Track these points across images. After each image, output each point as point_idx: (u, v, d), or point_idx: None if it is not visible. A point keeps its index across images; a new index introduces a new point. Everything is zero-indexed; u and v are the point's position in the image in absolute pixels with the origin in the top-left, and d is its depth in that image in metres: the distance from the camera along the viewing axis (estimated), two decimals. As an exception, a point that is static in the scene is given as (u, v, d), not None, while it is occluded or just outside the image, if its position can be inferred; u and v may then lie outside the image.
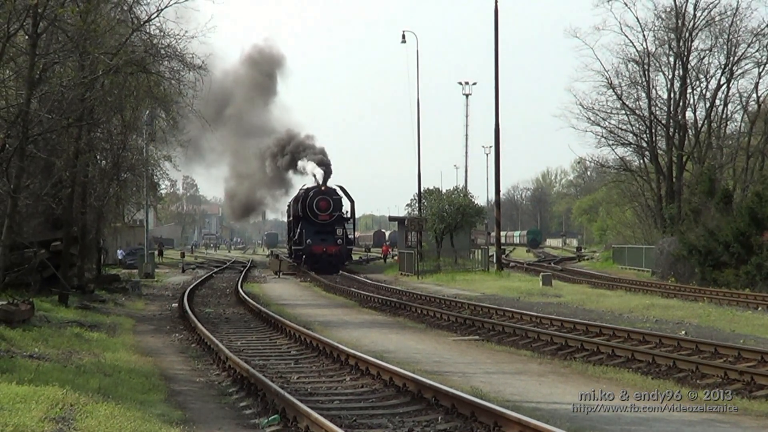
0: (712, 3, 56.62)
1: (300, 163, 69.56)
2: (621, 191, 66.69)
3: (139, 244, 60.97)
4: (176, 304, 29.79)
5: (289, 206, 69.37)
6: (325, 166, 63.99)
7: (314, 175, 63.14)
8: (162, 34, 25.73)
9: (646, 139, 59.02)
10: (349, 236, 59.19)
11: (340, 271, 53.70)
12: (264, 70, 77.97)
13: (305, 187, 60.97)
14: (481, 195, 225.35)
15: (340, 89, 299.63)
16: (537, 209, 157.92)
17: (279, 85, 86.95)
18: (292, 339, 20.17)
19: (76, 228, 30.86)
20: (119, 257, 60.88)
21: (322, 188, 59.17)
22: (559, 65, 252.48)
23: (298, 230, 58.67)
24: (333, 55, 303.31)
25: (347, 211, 59.51)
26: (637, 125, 59.40)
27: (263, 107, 79.32)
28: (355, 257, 71.27)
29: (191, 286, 37.60)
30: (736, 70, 55.95)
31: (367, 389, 13.77)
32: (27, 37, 19.33)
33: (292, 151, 72.05)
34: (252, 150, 78.90)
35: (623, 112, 59.28)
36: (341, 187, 60.66)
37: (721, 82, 56.22)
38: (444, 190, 56.54)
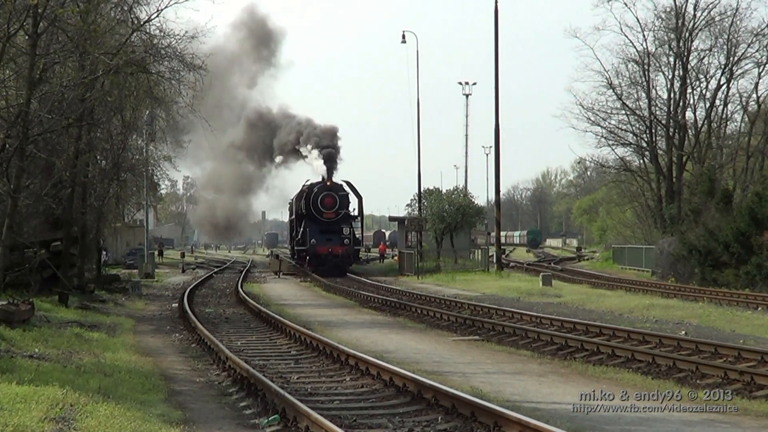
0: (712, 3, 56.76)
1: (279, 157, 63.55)
2: (621, 191, 66.70)
3: (140, 244, 60.97)
4: (176, 304, 29.79)
5: (290, 204, 63.75)
6: (330, 155, 57.23)
7: (308, 157, 58.02)
8: (162, 34, 25.76)
9: (646, 139, 59.04)
10: (357, 236, 54.50)
11: (347, 274, 50.34)
12: (256, 36, 68.55)
13: (309, 183, 55.65)
14: (481, 195, 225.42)
15: (340, 89, 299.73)
16: (537, 209, 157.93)
17: (274, 71, 76.74)
18: (292, 339, 20.17)
19: (76, 228, 30.87)
20: (105, 259, 51.32)
21: (328, 183, 54.10)
22: (559, 65, 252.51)
23: (301, 229, 53.84)
24: (333, 55, 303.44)
25: (354, 209, 54.96)
26: (637, 125, 59.48)
27: (250, 89, 70.16)
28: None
29: (191, 286, 37.59)
30: (736, 70, 56.05)
31: (367, 389, 13.77)
32: (27, 37, 19.34)
33: (264, 137, 63.95)
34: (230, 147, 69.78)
35: (623, 112, 59.36)
36: (348, 183, 55.66)
37: (721, 82, 56.30)
38: (444, 190, 56.55)
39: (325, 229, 52.47)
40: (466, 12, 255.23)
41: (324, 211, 52.84)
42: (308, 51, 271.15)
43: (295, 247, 57.15)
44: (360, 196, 55.77)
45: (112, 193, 36.73)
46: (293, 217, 59.27)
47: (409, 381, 13.07)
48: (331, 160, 56.98)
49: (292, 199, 61.76)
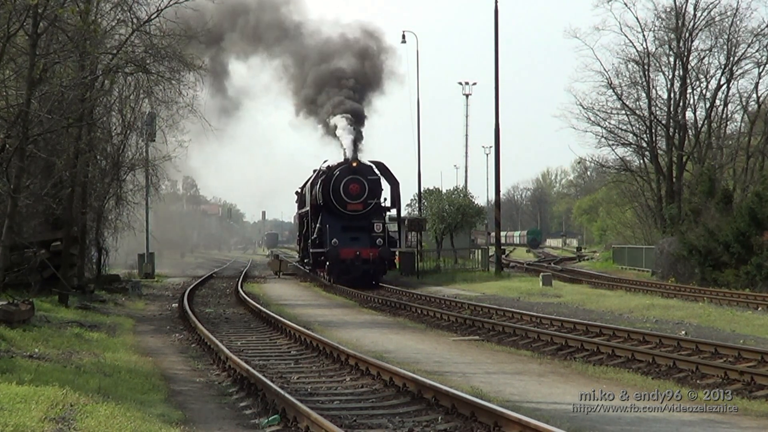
0: (712, 3, 56.72)
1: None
2: (621, 191, 66.66)
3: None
4: (176, 304, 29.80)
5: (299, 193, 51.81)
6: (355, 119, 42.99)
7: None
8: (162, 34, 25.77)
9: (646, 139, 59.01)
10: (391, 234, 41.80)
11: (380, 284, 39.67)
12: None
13: (326, 165, 42.70)
14: (481, 195, 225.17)
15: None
16: (537, 209, 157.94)
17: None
18: (292, 339, 20.17)
19: (76, 228, 30.86)
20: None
21: (353, 165, 40.84)
22: (559, 65, 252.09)
23: (318, 225, 40.78)
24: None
25: (386, 198, 42.30)
26: (637, 125, 59.43)
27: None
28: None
29: (191, 287, 37.60)
30: (736, 70, 56.02)
31: (367, 389, 13.76)
32: (27, 37, 19.34)
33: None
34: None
35: (623, 112, 59.29)
36: (379, 164, 42.41)
37: (721, 82, 56.28)
38: (444, 190, 56.59)
39: (349, 225, 40.15)
40: (466, 12, 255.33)
41: (348, 202, 40.24)
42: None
43: (310, 249, 42.56)
44: (396, 181, 43.13)
45: (112, 193, 36.74)
46: (306, 209, 46.01)
47: (409, 381, 13.07)
48: (355, 123, 43.06)
49: (303, 188, 49.89)
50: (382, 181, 41.79)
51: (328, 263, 39.74)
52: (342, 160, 42.05)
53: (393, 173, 42.75)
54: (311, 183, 44.09)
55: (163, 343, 20.56)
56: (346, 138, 42.10)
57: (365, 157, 42.36)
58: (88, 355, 16.73)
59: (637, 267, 55.25)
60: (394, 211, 43.92)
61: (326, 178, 40.98)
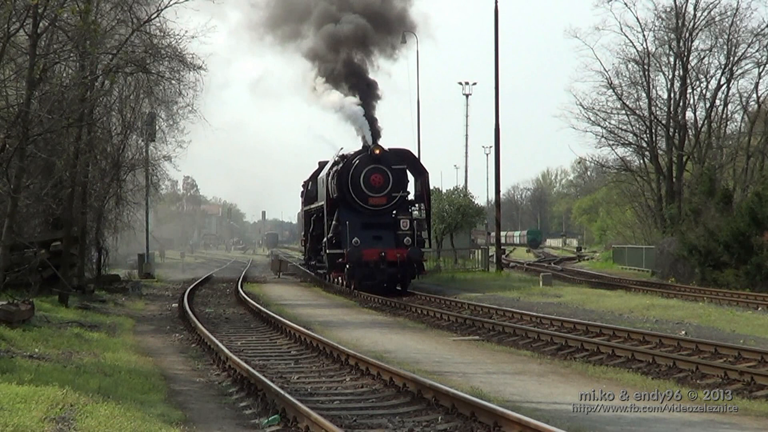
0: (712, 3, 56.78)
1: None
2: (621, 191, 66.71)
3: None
4: (176, 304, 29.80)
5: (306, 187, 45.95)
6: (368, 94, 37.45)
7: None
8: (162, 34, 25.82)
9: (646, 139, 59.06)
10: (420, 233, 35.24)
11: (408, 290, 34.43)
12: None
13: (342, 154, 36.57)
14: (481, 195, 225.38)
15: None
16: (537, 209, 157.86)
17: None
18: (292, 339, 20.17)
19: (76, 228, 30.87)
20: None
21: (375, 152, 34.91)
22: (559, 65, 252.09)
23: (334, 223, 35.29)
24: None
25: (409, 192, 36.20)
26: (637, 125, 59.48)
27: None
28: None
29: (191, 287, 37.60)
30: (736, 70, 56.07)
31: (367, 389, 13.76)
32: (27, 37, 19.36)
33: None
34: None
35: (623, 112, 59.35)
36: (405, 152, 37.06)
37: (721, 82, 56.33)
38: (444, 190, 56.54)
39: (370, 222, 34.60)
40: (466, 12, 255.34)
41: (370, 195, 34.67)
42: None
43: (326, 250, 36.13)
44: (424, 170, 37.35)
45: (112, 193, 36.77)
46: (316, 204, 39.96)
47: (409, 381, 13.06)
48: (367, 98, 36.98)
49: (309, 181, 44.76)
50: (407, 171, 36.31)
51: (348, 266, 34.22)
52: (360, 147, 36.31)
53: (421, 162, 37.54)
54: (325, 174, 37.47)
55: (163, 343, 20.56)
56: (365, 122, 36.27)
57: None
58: (88, 355, 16.74)
59: (637, 267, 55.28)
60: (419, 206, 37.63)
61: (343, 168, 35.18)
